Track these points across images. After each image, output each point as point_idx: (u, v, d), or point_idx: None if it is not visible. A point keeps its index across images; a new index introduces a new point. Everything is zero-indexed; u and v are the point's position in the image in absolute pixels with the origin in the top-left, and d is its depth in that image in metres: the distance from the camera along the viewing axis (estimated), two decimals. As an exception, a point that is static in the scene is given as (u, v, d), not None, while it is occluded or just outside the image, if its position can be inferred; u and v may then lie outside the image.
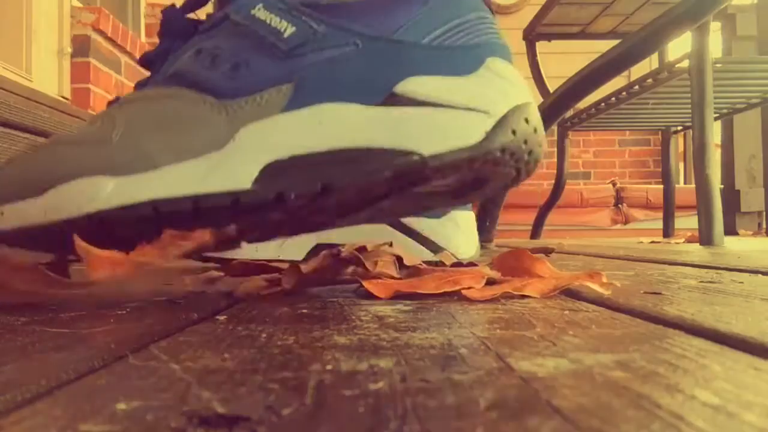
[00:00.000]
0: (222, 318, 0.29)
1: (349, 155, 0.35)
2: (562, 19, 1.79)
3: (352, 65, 0.36)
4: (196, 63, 0.38)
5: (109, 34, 1.83)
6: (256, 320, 0.28)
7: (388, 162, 0.34)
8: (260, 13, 0.37)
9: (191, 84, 0.37)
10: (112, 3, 2.11)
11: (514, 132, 0.36)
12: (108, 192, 0.35)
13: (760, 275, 0.50)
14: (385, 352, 0.21)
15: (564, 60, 2.35)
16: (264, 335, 0.24)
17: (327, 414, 0.14)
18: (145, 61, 0.41)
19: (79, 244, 0.33)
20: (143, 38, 2.28)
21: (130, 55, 2.01)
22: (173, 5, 0.42)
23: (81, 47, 1.77)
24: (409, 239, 0.58)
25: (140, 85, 0.40)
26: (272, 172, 0.35)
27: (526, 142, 0.36)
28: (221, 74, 0.37)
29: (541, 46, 1.93)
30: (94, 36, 1.80)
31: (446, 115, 0.35)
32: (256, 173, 0.34)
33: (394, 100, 0.35)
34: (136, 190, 0.35)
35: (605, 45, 1.44)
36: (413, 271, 0.42)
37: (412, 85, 0.35)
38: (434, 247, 0.60)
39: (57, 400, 0.16)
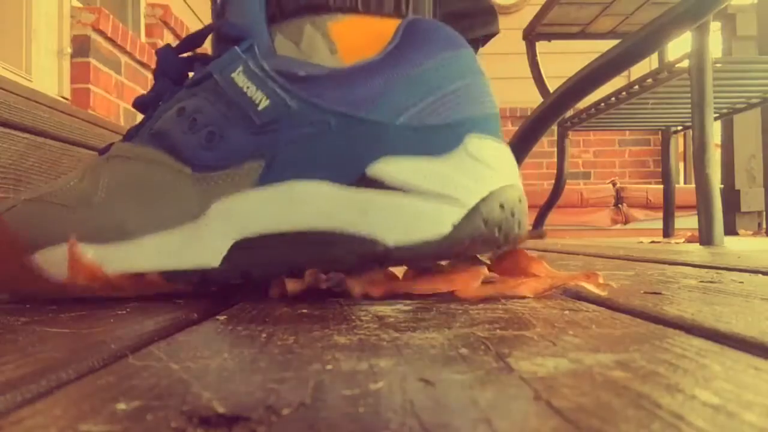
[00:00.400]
0: (222, 318, 0.29)
1: (316, 238, 0.35)
2: (561, 19, 1.79)
3: (324, 144, 0.35)
4: (177, 125, 0.38)
5: (109, 35, 1.83)
6: (256, 320, 0.28)
7: (353, 249, 0.34)
8: (239, 78, 0.36)
9: (170, 148, 0.37)
10: (111, 3, 2.11)
11: (485, 222, 0.35)
12: (105, 259, 0.36)
13: (760, 275, 0.50)
14: (385, 352, 0.21)
15: (564, 60, 2.35)
16: (264, 335, 0.24)
17: (327, 414, 0.14)
18: (139, 104, 0.41)
19: (71, 247, 0.34)
20: (143, 38, 2.28)
21: (130, 55, 2.01)
22: (168, 45, 0.42)
23: (81, 47, 1.77)
24: None
25: (130, 135, 0.40)
26: (240, 250, 0.35)
27: (499, 228, 0.36)
28: (197, 142, 0.37)
29: (540, 45, 1.93)
30: (94, 36, 1.80)
31: (415, 204, 0.35)
32: (225, 251, 0.35)
33: (365, 181, 0.35)
34: (112, 260, 0.36)
35: (605, 45, 1.44)
36: (409, 271, 0.41)
37: (384, 168, 0.35)
38: None
39: (57, 400, 0.16)
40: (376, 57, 0.37)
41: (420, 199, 0.35)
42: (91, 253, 0.36)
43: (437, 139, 0.36)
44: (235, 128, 0.36)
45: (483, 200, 0.35)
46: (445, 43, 0.37)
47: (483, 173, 0.36)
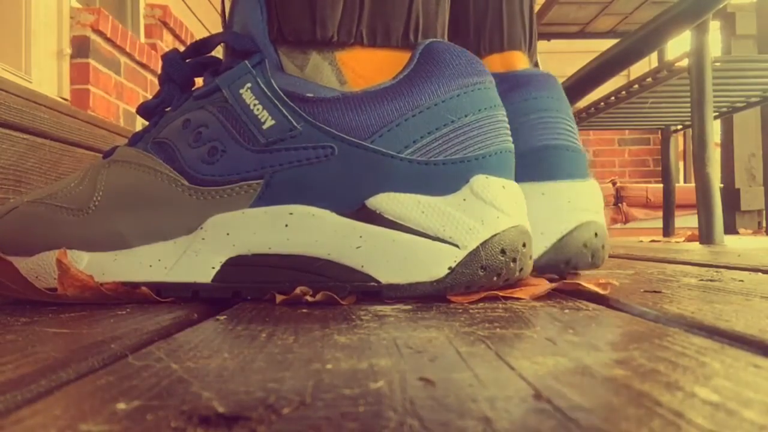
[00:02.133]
0: (222, 318, 0.29)
1: (310, 265, 0.34)
2: (561, 19, 1.79)
3: (326, 170, 0.34)
4: (181, 136, 0.37)
5: (108, 35, 1.83)
6: (256, 320, 0.28)
7: (346, 281, 0.34)
8: (247, 94, 0.36)
9: (172, 159, 0.37)
10: (111, 4, 2.11)
11: (484, 268, 0.34)
12: (83, 266, 0.36)
13: (760, 273, 0.50)
14: (385, 351, 0.21)
15: (563, 59, 2.36)
16: (264, 335, 0.24)
17: (327, 414, 0.14)
18: (143, 110, 0.41)
19: (61, 259, 0.34)
20: (142, 39, 2.28)
21: (129, 56, 2.01)
22: (175, 50, 0.41)
23: (80, 48, 1.77)
24: None
25: (134, 140, 0.40)
26: (233, 268, 0.35)
27: (499, 275, 0.35)
28: (199, 155, 0.36)
29: (540, 45, 1.93)
30: (94, 37, 1.79)
31: (413, 244, 0.34)
32: (218, 267, 0.35)
33: (365, 214, 0.34)
34: (106, 269, 0.36)
35: (604, 44, 1.44)
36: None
37: (386, 203, 0.34)
38: None
39: (57, 400, 0.16)
40: (388, 83, 0.35)
41: (419, 238, 0.34)
42: (86, 260, 0.36)
43: (443, 176, 0.34)
44: (238, 145, 0.36)
45: (483, 244, 0.34)
46: (463, 71, 0.36)
47: (486, 215, 0.34)
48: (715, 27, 2.11)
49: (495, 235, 0.35)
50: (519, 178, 0.39)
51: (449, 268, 0.34)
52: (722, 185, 2.07)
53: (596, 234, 0.41)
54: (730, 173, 2.27)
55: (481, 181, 0.35)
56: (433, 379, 0.17)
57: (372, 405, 0.15)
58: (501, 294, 0.35)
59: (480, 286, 0.35)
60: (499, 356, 0.20)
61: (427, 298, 0.35)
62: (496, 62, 0.47)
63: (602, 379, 0.17)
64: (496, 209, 0.35)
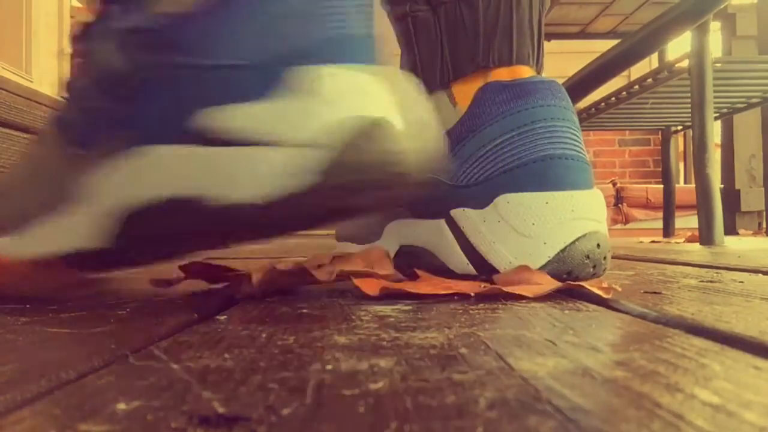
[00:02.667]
0: (222, 318, 0.29)
1: (184, 204, 0.32)
2: (561, 19, 1.79)
3: (156, 102, 0.33)
4: (70, 106, 0.37)
5: (108, 35, 1.83)
6: (256, 320, 0.28)
7: (222, 213, 0.32)
8: (102, 50, 0.35)
9: (64, 130, 0.37)
10: (111, 3, 2.11)
11: (353, 171, 0.31)
12: (6, 250, 0.36)
13: (760, 275, 0.50)
14: (385, 351, 0.21)
15: (564, 60, 2.35)
16: (264, 335, 0.24)
17: (327, 414, 0.14)
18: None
19: None
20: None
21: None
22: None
23: (81, 47, 1.77)
24: None
25: (54, 123, 0.40)
26: (126, 226, 0.34)
27: (371, 175, 0.31)
28: (80, 120, 0.36)
29: (541, 46, 1.93)
30: (94, 36, 1.80)
31: (250, 155, 0.31)
32: (113, 228, 0.34)
33: (196, 136, 0.32)
34: (20, 248, 0.36)
35: (605, 45, 1.44)
36: (410, 274, 0.41)
37: (210, 120, 0.32)
38: None
39: (57, 400, 0.16)
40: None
41: (253, 147, 0.31)
42: (5, 244, 0.36)
43: (261, 79, 0.31)
44: (105, 100, 0.35)
45: (352, 142, 0.30)
46: None
47: (310, 109, 0.31)
48: (715, 28, 2.11)
49: (349, 134, 0.31)
50: (523, 187, 0.38)
51: (311, 171, 0.31)
52: (722, 186, 2.07)
53: (599, 245, 0.41)
54: (730, 174, 2.27)
55: (296, 72, 0.31)
56: (433, 379, 0.17)
57: (372, 406, 0.15)
58: (506, 290, 0.35)
59: (351, 188, 0.31)
60: (499, 357, 0.20)
61: (426, 298, 0.35)
62: (503, 74, 0.48)
63: (602, 381, 0.17)
64: (321, 98, 0.31)
